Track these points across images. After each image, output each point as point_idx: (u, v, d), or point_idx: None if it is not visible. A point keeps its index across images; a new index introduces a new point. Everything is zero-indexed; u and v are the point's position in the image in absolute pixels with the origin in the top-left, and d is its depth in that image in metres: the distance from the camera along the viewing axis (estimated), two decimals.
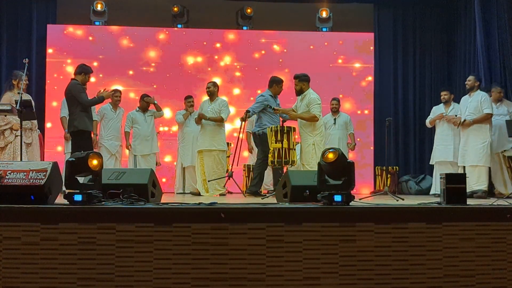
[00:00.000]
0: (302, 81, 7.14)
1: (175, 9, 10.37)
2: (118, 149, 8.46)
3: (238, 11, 10.59)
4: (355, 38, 10.61)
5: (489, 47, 8.62)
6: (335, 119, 9.10)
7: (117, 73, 10.19)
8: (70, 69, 9.54)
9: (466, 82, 7.88)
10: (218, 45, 10.44)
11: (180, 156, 9.01)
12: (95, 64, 10.01)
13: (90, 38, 10.20)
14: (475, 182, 7.44)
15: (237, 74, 10.47)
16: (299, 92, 7.15)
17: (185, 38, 10.43)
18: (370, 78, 10.53)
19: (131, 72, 10.23)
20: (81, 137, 6.61)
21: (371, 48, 10.58)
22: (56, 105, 9.51)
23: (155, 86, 10.14)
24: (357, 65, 10.55)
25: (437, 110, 8.59)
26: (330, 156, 3.59)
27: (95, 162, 3.55)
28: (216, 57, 10.43)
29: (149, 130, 8.68)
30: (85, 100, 6.69)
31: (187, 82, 10.26)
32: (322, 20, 10.56)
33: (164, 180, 9.72)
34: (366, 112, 10.48)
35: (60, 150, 9.32)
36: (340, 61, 10.57)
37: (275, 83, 7.58)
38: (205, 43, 10.41)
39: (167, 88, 10.23)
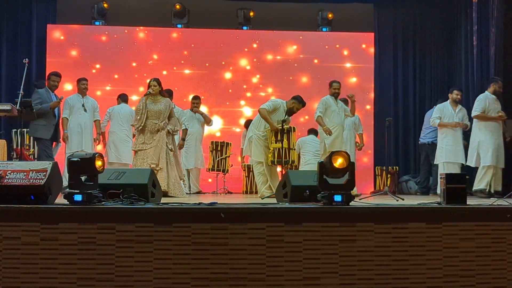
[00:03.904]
0: None
1: (177, 6, 10.31)
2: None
3: (238, 10, 10.57)
4: (355, 38, 10.61)
5: (486, 46, 8.67)
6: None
7: (117, 73, 10.19)
8: (70, 69, 9.53)
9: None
10: (218, 45, 10.43)
11: (183, 157, 8.73)
12: (97, 66, 10.02)
13: (90, 38, 10.19)
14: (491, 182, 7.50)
15: (238, 74, 10.46)
16: None
17: (185, 38, 10.43)
18: (370, 78, 10.53)
19: (131, 72, 10.22)
20: (38, 144, 7.14)
21: (371, 48, 10.58)
22: None
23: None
24: (357, 65, 10.54)
25: (444, 108, 8.37)
26: (341, 161, 3.56)
27: (99, 163, 3.58)
28: (216, 57, 10.42)
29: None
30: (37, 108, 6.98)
31: (187, 82, 10.26)
32: (324, 21, 10.56)
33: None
34: (366, 111, 10.47)
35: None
36: (340, 61, 10.56)
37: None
38: (204, 43, 10.40)
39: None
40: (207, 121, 8.85)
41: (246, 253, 3.31)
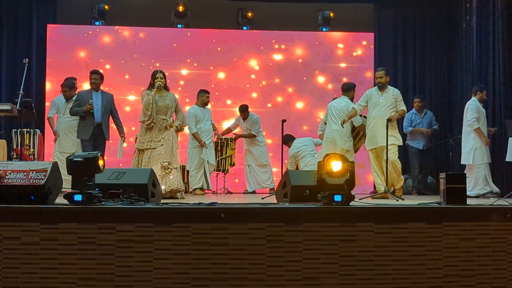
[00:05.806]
0: None
1: (181, 8, 10.28)
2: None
3: (238, 10, 10.57)
4: (355, 38, 10.61)
5: (486, 46, 8.67)
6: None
7: (117, 73, 10.18)
8: (70, 69, 9.53)
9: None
10: (218, 45, 10.42)
11: (205, 151, 8.39)
12: (98, 66, 10.03)
13: (90, 38, 10.19)
14: None
15: (238, 74, 10.45)
16: None
17: (185, 38, 10.42)
18: (370, 78, 10.53)
19: (131, 72, 10.22)
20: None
21: (371, 48, 10.58)
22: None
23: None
24: (357, 65, 10.54)
25: (479, 108, 8.05)
26: (336, 163, 3.56)
27: (101, 162, 3.59)
28: (216, 57, 10.41)
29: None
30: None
31: (186, 82, 10.26)
32: (325, 20, 10.55)
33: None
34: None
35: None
36: (340, 61, 10.56)
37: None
38: (205, 43, 10.40)
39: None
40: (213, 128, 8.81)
41: (246, 253, 3.31)
